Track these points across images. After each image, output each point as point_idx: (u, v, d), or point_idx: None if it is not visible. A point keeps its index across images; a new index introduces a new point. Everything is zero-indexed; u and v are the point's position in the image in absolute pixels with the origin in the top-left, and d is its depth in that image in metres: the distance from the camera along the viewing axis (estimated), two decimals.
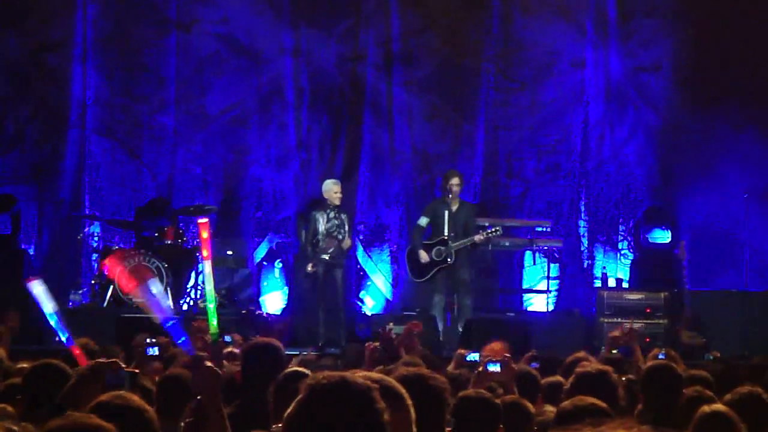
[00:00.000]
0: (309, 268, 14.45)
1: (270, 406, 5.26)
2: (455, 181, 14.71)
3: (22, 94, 17.68)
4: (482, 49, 18.16)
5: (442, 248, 14.47)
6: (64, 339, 5.93)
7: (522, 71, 18.26)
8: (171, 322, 4.88)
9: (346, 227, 14.56)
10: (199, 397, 4.18)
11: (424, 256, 14.55)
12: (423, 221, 14.84)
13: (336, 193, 14.65)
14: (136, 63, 17.97)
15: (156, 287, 5.11)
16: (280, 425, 3.31)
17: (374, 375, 3.69)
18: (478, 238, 14.47)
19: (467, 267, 14.67)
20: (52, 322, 5.93)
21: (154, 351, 6.58)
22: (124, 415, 3.43)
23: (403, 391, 3.65)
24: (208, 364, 4.21)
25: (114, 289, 15.12)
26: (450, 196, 14.62)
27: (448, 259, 14.46)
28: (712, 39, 17.28)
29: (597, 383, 5.35)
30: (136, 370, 4.22)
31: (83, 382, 4.28)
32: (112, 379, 4.40)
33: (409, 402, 3.63)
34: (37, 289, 5.79)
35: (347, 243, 14.78)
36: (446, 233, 14.49)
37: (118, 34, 17.94)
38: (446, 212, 14.57)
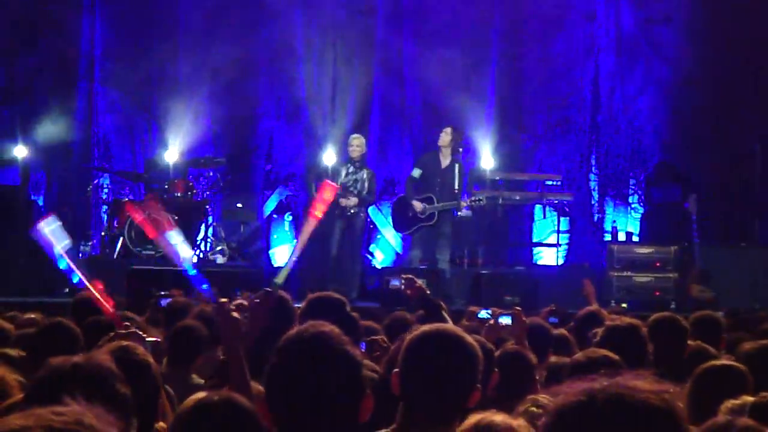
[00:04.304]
0: (343, 201, 14.27)
1: None
2: (446, 131, 14.57)
3: (31, 46, 17.62)
4: (493, 2, 18.05)
5: (428, 206, 14.33)
6: (75, 281, 5.72)
7: (532, 24, 18.16)
8: (193, 271, 4.86)
9: (366, 184, 14.42)
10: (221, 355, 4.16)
11: (418, 205, 14.37)
12: (416, 172, 14.65)
13: (351, 146, 14.55)
14: (145, 15, 17.87)
15: (174, 238, 5.07)
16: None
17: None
18: (462, 204, 14.33)
19: (448, 222, 14.51)
20: (62, 265, 5.67)
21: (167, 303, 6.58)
22: (127, 367, 3.43)
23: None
24: (233, 311, 4.20)
25: (124, 240, 15.13)
26: (440, 148, 14.52)
27: (432, 219, 14.33)
28: None
29: (627, 337, 5.35)
30: (158, 339, 4.15)
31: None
32: None
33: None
34: (48, 228, 5.50)
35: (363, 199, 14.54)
36: (435, 190, 14.34)
37: None
38: (437, 167, 14.47)
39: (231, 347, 4.14)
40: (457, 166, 14.52)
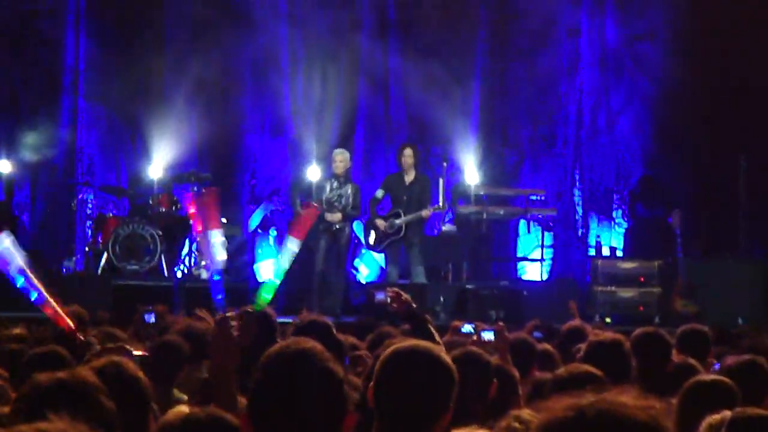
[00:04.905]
0: (328, 216, 14.33)
1: None
2: (407, 153, 14.83)
3: (16, 60, 17.57)
4: (478, 17, 18.09)
5: (396, 221, 14.63)
6: (33, 298, 5.52)
7: (518, 39, 18.20)
8: (216, 276, 4.83)
9: (350, 199, 14.45)
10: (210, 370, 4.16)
11: (381, 224, 14.73)
12: (379, 193, 15.05)
13: (334, 162, 14.63)
14: (130, 29, 17.83)
15: (215, 237, 5.01)
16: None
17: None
18: (425, 213, 14.63)
19: (417, 234, 14.79)
20: (19, 283, 5.42)
21: (151, 318, 6.57)
22: (118, 381, 3.43)
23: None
24: (233, 328, 4.20)
25: (108, 255, 15.09)
26: (404, 168, 14.75)
27: (400, 232, 14.61)
28: (708, 6, 17.19)
29: (610, 352, 5.35)
30: (147, 354, 4.17)
31: None
32: None
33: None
34: (1, 245, 5.26)
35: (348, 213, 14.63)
36: (402, 206, 14.60)
37: (111, 0, 17.82)
38: (401, 185, 14.77)
39: (223, 363, 4.13)
40: (422, 179, 14.79)
